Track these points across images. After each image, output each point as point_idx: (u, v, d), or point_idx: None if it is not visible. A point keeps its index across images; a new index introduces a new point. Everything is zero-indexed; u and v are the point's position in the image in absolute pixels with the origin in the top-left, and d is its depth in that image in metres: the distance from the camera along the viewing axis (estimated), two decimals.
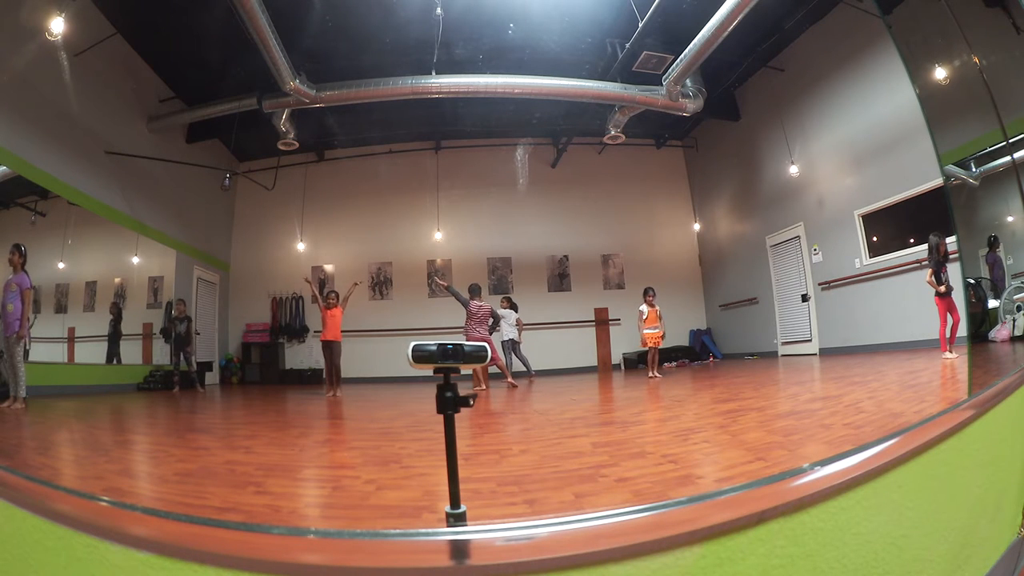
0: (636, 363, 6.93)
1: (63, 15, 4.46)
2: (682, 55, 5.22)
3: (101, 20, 4.90)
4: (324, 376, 6.05)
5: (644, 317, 5.94)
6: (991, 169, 5.06)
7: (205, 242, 6.78)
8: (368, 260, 7.12)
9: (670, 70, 5.49)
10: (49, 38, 4.44)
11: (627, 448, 2.24)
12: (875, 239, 5.76)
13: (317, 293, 5.95)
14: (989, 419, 1.74)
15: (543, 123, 6.75)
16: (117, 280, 5.86)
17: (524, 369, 6.12)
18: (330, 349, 5.60)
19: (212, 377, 6.63)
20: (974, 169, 5.14)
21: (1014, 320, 4.84)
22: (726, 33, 4.74)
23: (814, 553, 1.08)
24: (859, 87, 5.60)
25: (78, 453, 2.56)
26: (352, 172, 7.10)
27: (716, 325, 7.55)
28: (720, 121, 7.22)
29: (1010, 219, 5.16)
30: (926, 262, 4.72)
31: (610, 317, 7.23)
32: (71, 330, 5.25)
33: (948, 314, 4.36)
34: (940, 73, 4.31)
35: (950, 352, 4.27)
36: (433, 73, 5.31)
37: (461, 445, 1.92)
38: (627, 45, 5.44)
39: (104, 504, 1.19)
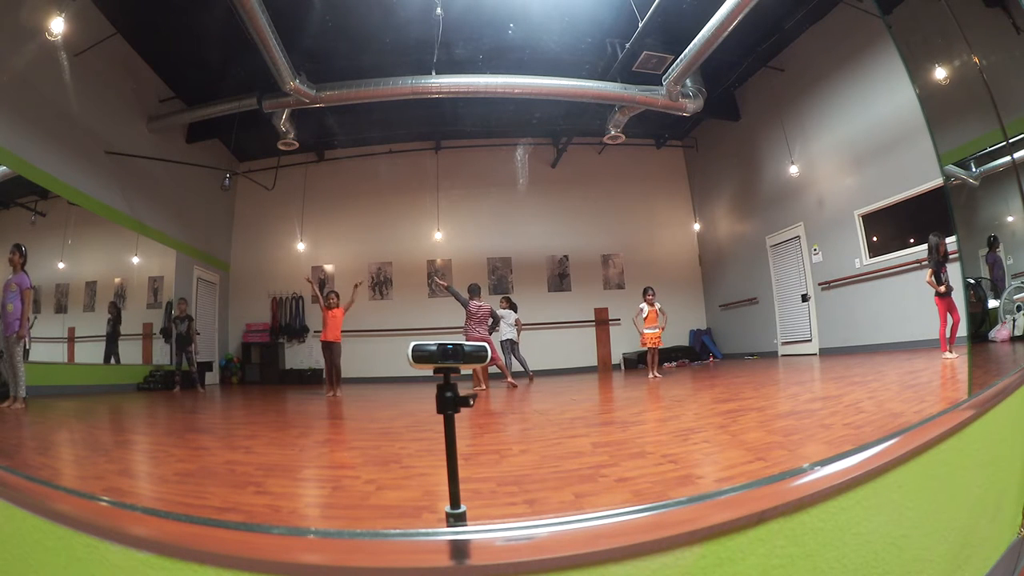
0: (636, 363, 6.93)
1: (63, 15, 4.46)
2: (682, 55, 5.22)
3: (101, 20, 4.90)
4: (324, 376, 6.05)
5: (644, 315, 5.93)
6: (991, 169, 5.06)
7: (205, 242, 6.78)
8: (368, 260, 7.12)
9: (670, 70, 5.49)
10: (49, 38, 4.44)
11: (627, 448, 2.24)
12: (875, 239, 5.76)
13: (318, 293, 5.95)
14: (989, 419, 1.74)
15: (543, 123, 6.75)
16: (117, 280, 5.86)
17: (523, 369, 6.12)
18: (330, 350, 5.60)
19: (212, 377, 6.63)
20: (974, 169, 5.14)
21: (1014, 320, 4.84)
22: (726, 33, 4.74)
23: (814, 553, 1.08)
24: (859, 87, 5.60)
25: (78, 453, 2.56)
26: (352, 172, 7.10)
27: (716, 325, 7.55)
28: (720, 121, 7.22)
29: (1010, 219, 5.16)
30: (926, 262, 4.72)
31: (610, 317, 7.23)
32: (71, 330, 5.25)
33: (948, 314, 4.36)
34: (940, 73, 4.31)
35: (950, 352, 4.27)
36: (433, 73, 5.31)
37: (461, 445, 1.92)
38: (627, 45, 5.44)
39: (104, 504, 1.19)
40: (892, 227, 5.61)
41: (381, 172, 7.10)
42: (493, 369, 5.72)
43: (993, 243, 5.14)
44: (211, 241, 6.87)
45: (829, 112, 6.10)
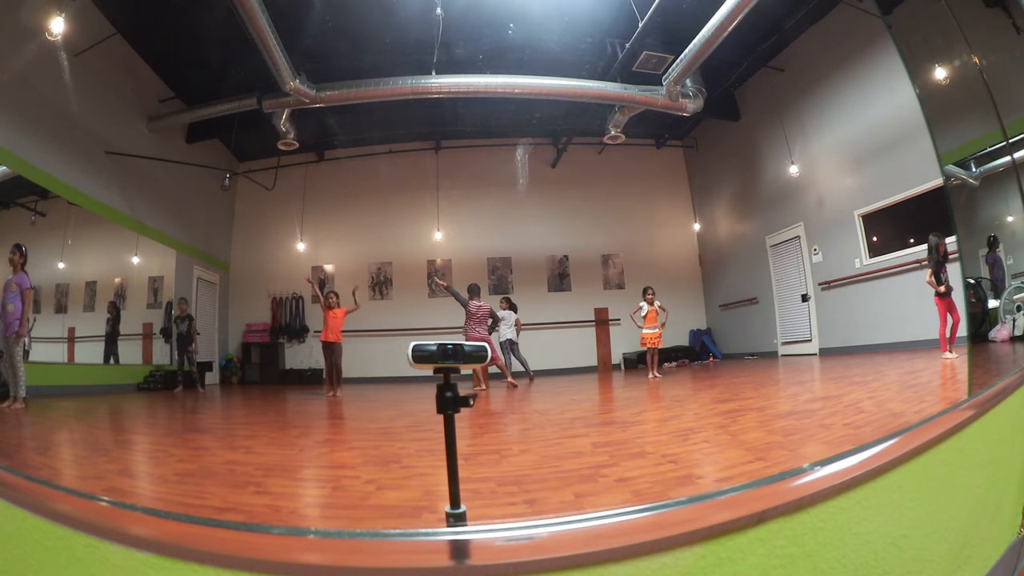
0: (636, 363, 6.93)
1: (63, 15, 4.46)
2: (682, 55, 5.22)
3: (101, 20, 4.90)
4: (324, 376, 6.05)
5: (644, 314, 5.93)
6: (991, 169, 5.06)
7: (205, 242, 6.78)
8: (368, 260, 7.12)
9: (670, 70, 5.49)
10: (49, 38, 4.44)
11: (627, 448, 2.24)
12: (875, 239, 5.76)
13: (318, 292, 5.94)
14: (989, 419, 1.74)
15: (543, 123, 6.75)
16: (117, 280, 5.86)
17: (523, 369, 6.12)
18: (331, 350, 5.60)
19: (212, 377, 6.63)
20: (974, 169, 5.14)
21: (1014, 320, 4.84)
22: (726, 33, 4.73)
23: (814, 553, 1.08)
24: (859, 87, 5.60)
25: (78, 453, 2.56)
26: (352, 172, 7.10)
27: (716, 325, 7.55)
28: (720, 121, 7.22)
29: (1010, 219, 5.16)
30: (926, 262, 4.72)
31: (610, 317, 7.23)
32: (71, 330, 5.25)
33: (948, 314, 4.36)
34: (940, 73, 4.31)
35: (950, 352, 4.27)
36: (433, 73, 5.31)
37: (461, 445, 1.92)
38: (627, 45, 5.44)
39: (104, 504, 1.19)
40: (892, 227, 5.61)
41: (381, 172, 7.10)
42: (493, 369, 5.72)
43: (993, 243, 5.14)
44: (211, 241, 6.87)
45: (829, 112, 6.10)
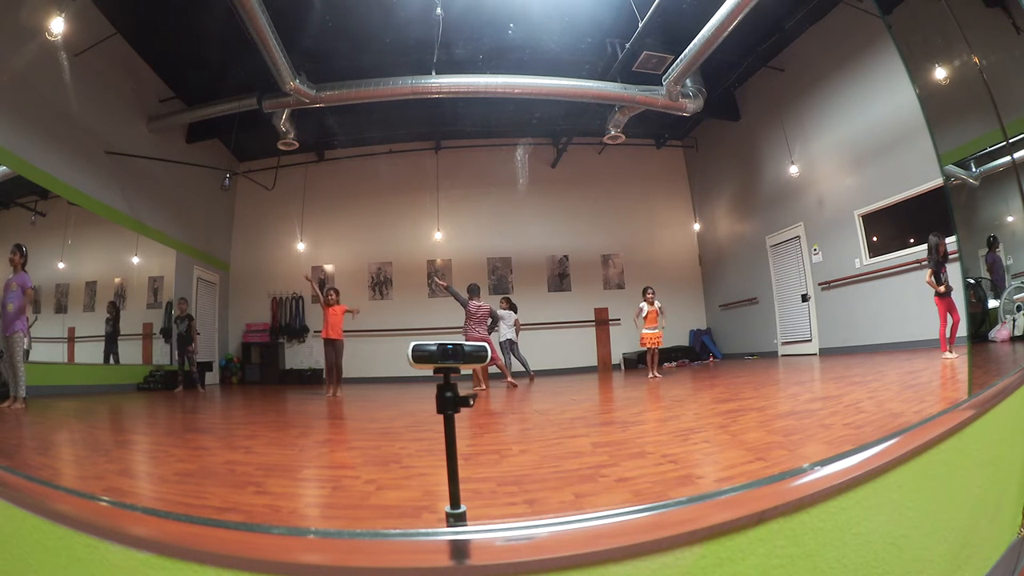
0: (636, 363, 6.93)
1: (63, 15, 4.46)
2: (682, 55, 5.22)
3: (101, 20, 4.90)
4: (324, 376, 6.04)
5: (644, 315, 5.93)
6: (991, 169, 5.06)
7: (205, 242, 6.78)
8: (368, 260, 7.12)
9: (670, 70, 5.49)
10: (49, 38, 4.44)
11: (627, 448, 2.24)
12: (875, 239, 5.76)
13: (318, 292, 5.94)
14: (989, 419, 1.74)
15: (543, 123, 6.75)
16: (117, 280, 5.86)
17: (523, 369, 6.12)
18: (332, 347, 5.59)
19: (212, 377, 6.63)
20: (974, 169, 5.14)
21: (1014, 320, 4.84)
22: (726, 33, 4.74)
23: (814, 553, 1.09)
24: (859, 87, 5.60)
25: (78, 453, 2.56)
26: (352, 172, 7.10)
27: (716, 325, 7.55)
28: (720, 121, 7.22)
29: (1010, 219, 5.16)
30: (926, 262, 4.72)
31: (610, 317, 7.23)
32: (71, 330, 5.25)
33: (948, 314, 4.36)
34: (940, 73, 4.32)
35: (950, 352, 4.27)
36: (433, 73, 5.31)
37: (461, 445, 1.92)
38: (627, 45, 5.44)
39: (104, 504, 1.19)
40: (892, 227, 5.61)
41: (381, 172, 7.10)
42: (493, 369, 5.72)
43: (992, 243, 5.15)
44: (211, 241, 6.87)
45: (829, 112, 6.10)
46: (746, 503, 1.05)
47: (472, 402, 1.06)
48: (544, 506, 1.51)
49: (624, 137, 6.27)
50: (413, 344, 0.99)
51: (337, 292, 5.81)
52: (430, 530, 0.98)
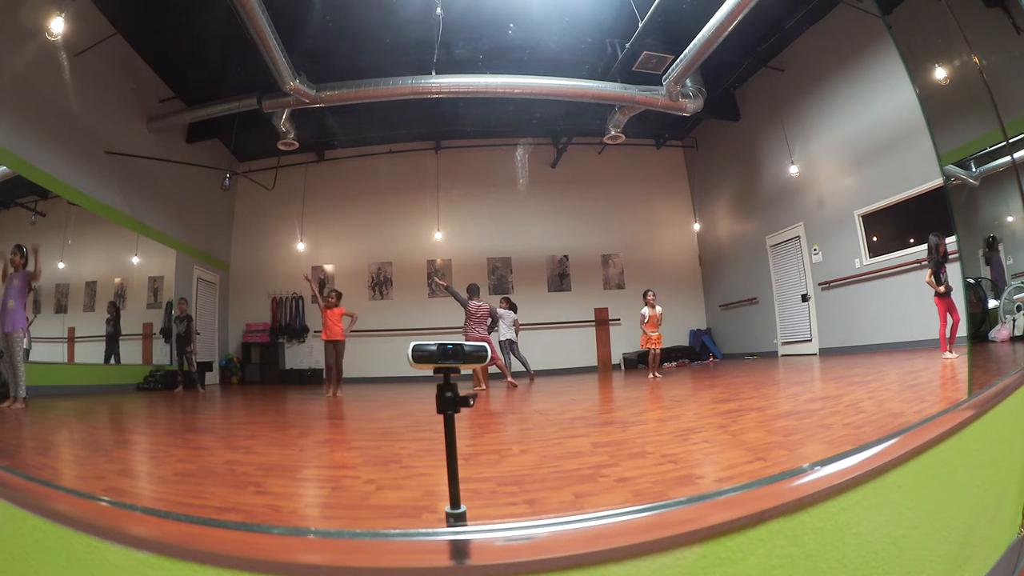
0: (636, 363, 6.93)
1: (63, 15, 4.46)
2: (682, 55, 5.22)
3: (101, 20, 4.90)
4: (324, 376, 6.04)
5: (645, 320, 5.92)
6: (991, 169, 5.06)
7: (205, 242, 6.78)
8: (368, 260, 7.12)
9: (670, 70, 5.49)
10: (49, 38, 4.44)
11: (627, 448, 2.24)
12: (875, 239, 5.76)
13: (317, 293, 5.94)
14: (989, 419, 1.74)
15: (543, 123, 6.75)
16: (117, 280, 5.86)
17: (523, 369, 6.12)
18: (334, 348, 5.59)
19: (212, 377, 6.63)
20: (974, 169, 5.14)
21: (1014, 320, 4.84)
22: (726, 33, 4.74)
23: (814, 553, 1.09)
24: (859, 87, 5.60)
25: (78, 453, 2.56)
26: (352, 172, 7.10)
27: (716, 325, 7.55)
28: (720, 121, 7.22)
29: (1010, 219, 5.16)
30: (926, 262, 4.72)
31: (610, 317, 7.23)
32: (71, 330, 5.25)
33: (948, 314, 4.36)
34: (940, 73, 4.32)
35: (950, 352, 4.27)
36: (433, 73, 5.31)
37: (461, 445, 1.92)
38: (627, 45, 5.44)
39: (104, 504, 1.19)
40: (892, 227, 5.61)
41: (381, 172, 7.11)
42: (493, 369, 5.72)
43: (992, 243, 5.15)
44: (211, 241, 6.87)
45: (829, 112, 6.10)
46: (746, 503, 1.05)
47: (472, 402, 1.06)
48: (544, 506, 1.51)
49: (624, 137, 6.27)
50: (413, 344, 0.99)
51: (339, 295, 5.79)
52: (430, 530, 0.98)
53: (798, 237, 6.57)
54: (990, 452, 1.75)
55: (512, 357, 6.07)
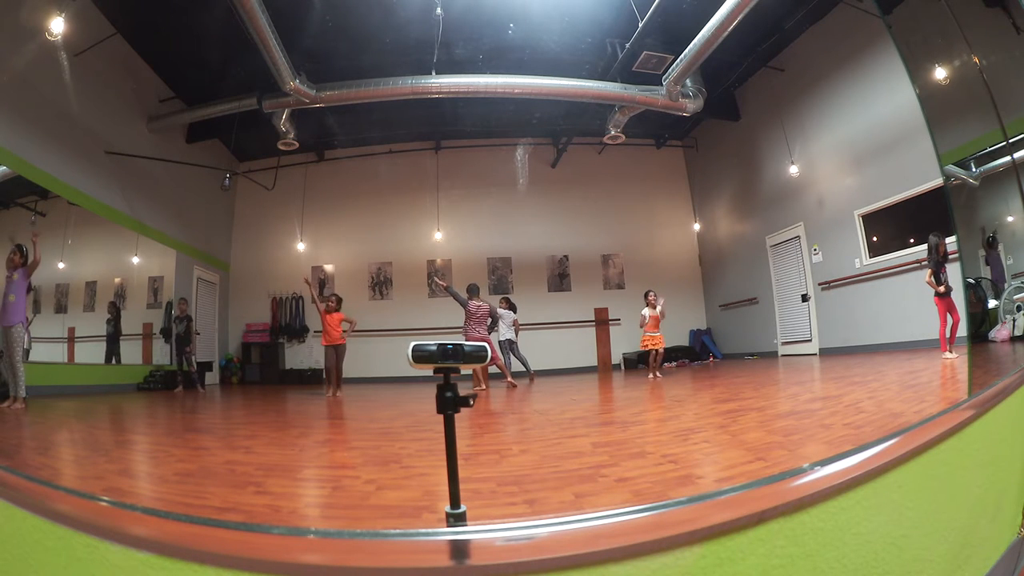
0: (636, 363, 6.93)
1: (63, 15, 4.46)
2: (682, 55, 5.22)
3: (101, 20, 4.90)
4: (324, 376, 6.04)
5: (645, 321, 5.91)
6: (991, 169, 5.06)
7: (205, 242, 6.78)
8: (368, 260, 7.12)
9: (670, 70, 5.49)
10: (49, 38, 4.44)
11: (627, 448, 2.24)
12: (875, 239, 5.76)
13: (315, 296, 5.94)
14: (989, 419, 1.74)
15: (543, 123, 6.75)
16: (117, 280, 5.86)
17: (523, 369, 6.12)
18: (335, 352, 5.57)
19: (212, 377, 6.63)
20: (974, 169, 5.14)
21: (1014, 320, 4.84)
22: (726, 33, 4.74)
23: (814, 553, 1.09)
24: (859, 87, 5.60)
25: (78, 453, 2.56)
26: (352, 172, 7.10)
27: (716, 325, 7.55)
28: (720, 121, 7.22)
29: (1010, 219, 5.16)
30: (926, 262, 4.72)
31: (610, 317, 7.23)
32: (71, 330, 5.25)
33: (948, 314, 4.36)
34: (940, 73, 4.32)
35: (950, 352, 4.27)
36: (433, 73, 5.31)
37: (461, 445, 1.92)
38: (627, 45, 5.44)
39: (104, 504, 1.19)
40: (892, 227, 5.61)
41: (381, 172, 7.11)
42: (493, 369, 5.72)
43: (991, 243, 5.15)
44: (211, 241, 6.87)
45: (829, 112, 6.10)
46: (746, 503, 1.05)
47: (472, 402, 1.06)
48: (544, 506, 1.51)
49: (624, 137, 6.27)
50: (413, 344, 0.99)
51: (339, 300, 5.77)
52: (430, 530, 0.98)
53: (798, 237, 6.57)
54: (990, 452, 1.75)
55: (512, 357, 6.07)
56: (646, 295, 5.98)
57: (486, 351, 1.07)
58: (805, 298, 6.48)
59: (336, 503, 1.70)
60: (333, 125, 6.29)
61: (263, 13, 4.38)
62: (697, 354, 7.38)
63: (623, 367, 7.13)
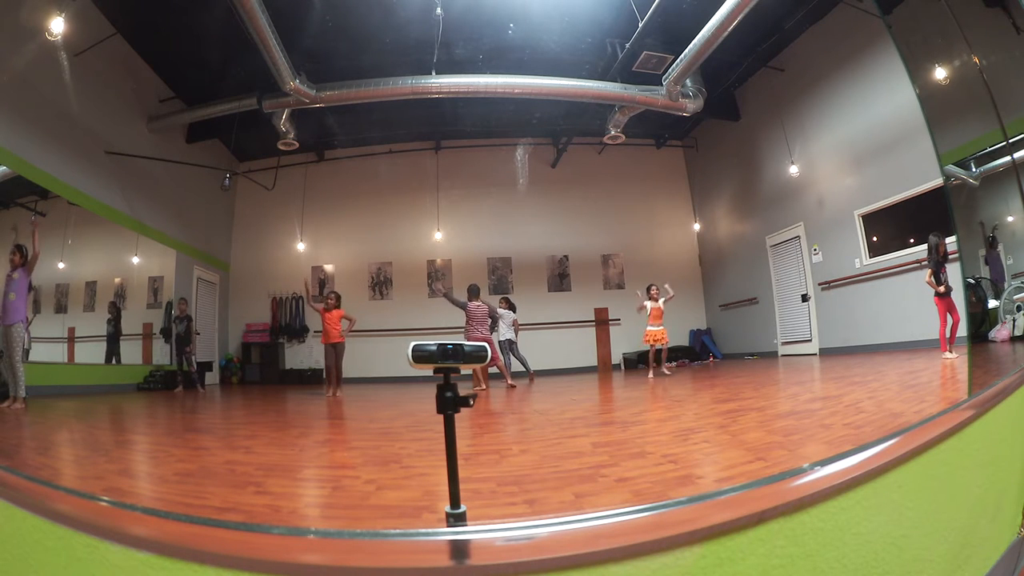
0: (636, 363, 6.93)
1: (63, 15, 4.46)
2: (682, 55, 5.22)
3: (101, 20, 4.90)
4: (324, 376, 6.04)
5: (648, 312, 5.92)
6: (991, 169, 5.06)
7: (205, 242, 6.78)
8: (368, 260, 7.12)
9: (670, 70, 5.49)
10: (49, 38, 4.44)
11: (627, 448, 2.24)
12: (875, 239, 5.76)
13: (310, 301, 5.95)
14: (989, 419, 1.74)
15: (543, 123, 6.75)
16: (117, 280, 5.86)
17: (523, 369, 6.12)
18: (334, 350, 5.59)
19: (212, 377, 6.63)
20: (974, 169, 5.14)
21: (1014, 320, 4.84)
22: (726, 33, 4.73)
23: (814, 553, 1.09)
24: (859, 87, 5.60)
25: (78, 453, 2.56)
26: (352, 172, 7.10)
27: (716, 325, 7.55)
28: (720, 121, 7.22)
29: (1010, 219, 5.16)
30: (926, 262, 4.72)
31: (610, 317, 7.23)
32: (71, 330, 5.25)
33: (948, 314, 4.36)
34: (940, 73, 4.32)
35: (950, 352, 4.27)
36: (433, 73, 5.30)
37: (461, 445, 1.92)
38: (627, 45, 5.44)
39: (104, 504, 1.19)
40: (892, 227, 5.61)
41: (381, 172, 7.10)
42: (494, 369, 5.72)
43: (992, 242, 5.15)
44: (211, 241, 6.87)
45: (829, 112, 6.10)
46: (746, 503, 1.05)
47: (472, 402, 1.06)
48: (544, 506, 1.51)
49: (624, 137, 6.26)
50: (413, 344, 0.99)
51: (338, 296, 5.79)
52: (430, 530, 0.98)
53: (798, 237, 6.57)
54: (990, 452, 1.75)
55: (512, 357, 6.07)
56: (648, 288, 5.99)
57: (486, 351, 1.07)
58: (805, 298, 6.48)
59: (336, 503, 1.70)
60: (333, 125, 6.29)
61: (263, 13, 4.38)
62: (697, 354, 7.39)
63: (623, 367, 7.13)
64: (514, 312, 6.21)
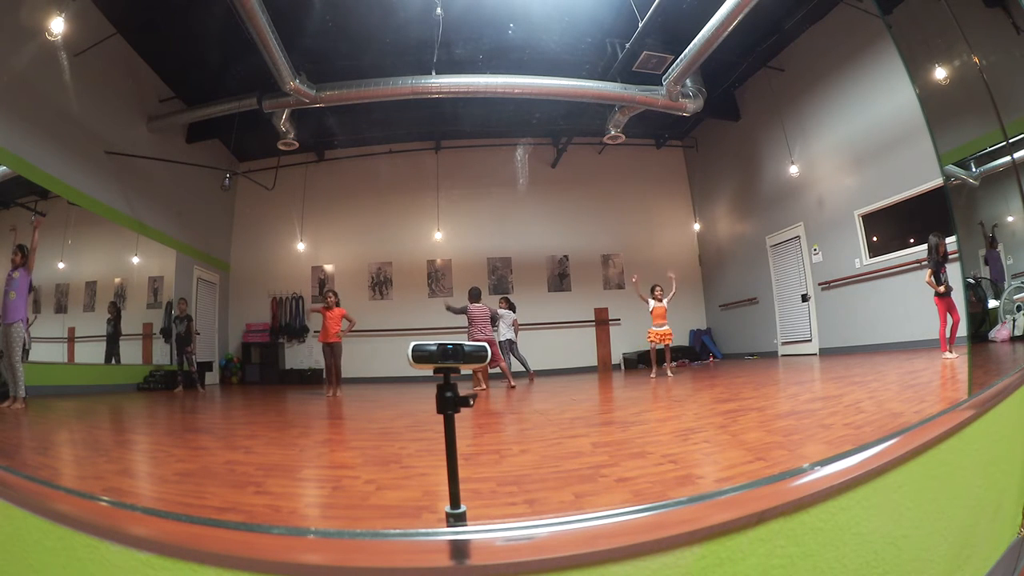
0: (636, 363, 6.93)
1: (63, 15, 4.46)
2: (682, 55, 5.22)
3: (101, 20, 4.90)
4: (324, 376, 6.05)
5: (651, 310, 5.94)
6: (991, 169, 5.06)
7: (205, 242, 6.78)
8: (368, 260, 7.12)
9: (670, 70, 5.49)
10: (49, 38, 4.44)
11: (627, 448, 2.24)
12: (875, 239, 5.76)
13: (311, 309, 5.96)
14: (989, 419, 1.74)
15: (543, 123, 6.75)
16: (117, 280, 5.86)
17: (523, 369, 6.12)
18: (331, 350, 5.60)
19: (212, 377, 6.63)
20: (974, 169, 5.14)
21: (1014, 320, 4.84)
22: (726, 33, 4.73)
23: (814, 553, 1.09)
24: (859, 87, 5.60)
25: (78, 453, 2.56)
26: (352, 172, 7.10)
27: (716, 325, 7.55)
28: (720, 121, 7.22)
29: (1010, 219, 5.16)
30: (926, 262, 4.72)
31: (610, 317, 7.23)
32: (71, 330, 5.25)
33: (948, 314, 4.36)
34: (940, 73, 4.32)
35: (950, 352, 4.27)
36: (433, 73, 5.30)
37: (461, 445, 1.91)
38: (627, 45, 5.44)
39: (104, 504, 1.19)
40: (892, 227, 5.61)
41: (381, 172, 7.10)
42: (495, 369, 5.72)
43: (992, 242, 5.15)
44: (211, 241, 6.87)
45: (829, 112, 6.10)
46: (746, 503, 1.05)
47: (472, 402, 1.06)
48: (544, 506, 1.51)
49: (624, 137, 6.26)
50: (413, 344, 0.99)
51: (336, 295, 5.81)
52: (430, 530, 0.98)
53: (798, 237, 6.57)
54: (990, 452, 1.75)
55: (512, 357, 6.07)
56: (652, 289, 6.00)
57: (486, 351, 1.07)
58: (805, 298, 6.48)
59: (336, 503, 1.70)
60: (333, 125, 6.29)
61: (263, 13, 4.38)
62: (697, 354, 7.39)
63: (623, 367, 7.13)
64: (514, 312, 6.21)
